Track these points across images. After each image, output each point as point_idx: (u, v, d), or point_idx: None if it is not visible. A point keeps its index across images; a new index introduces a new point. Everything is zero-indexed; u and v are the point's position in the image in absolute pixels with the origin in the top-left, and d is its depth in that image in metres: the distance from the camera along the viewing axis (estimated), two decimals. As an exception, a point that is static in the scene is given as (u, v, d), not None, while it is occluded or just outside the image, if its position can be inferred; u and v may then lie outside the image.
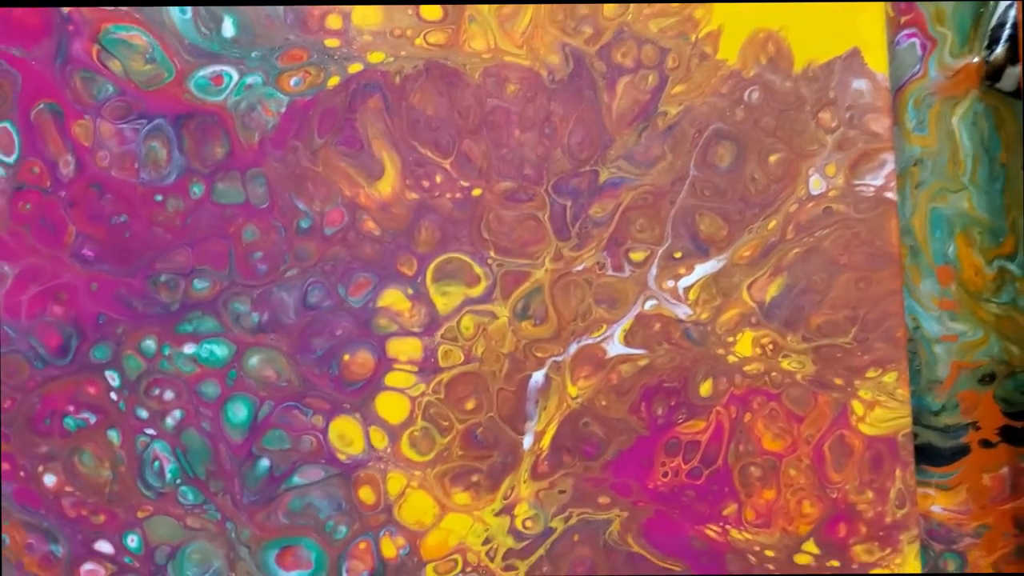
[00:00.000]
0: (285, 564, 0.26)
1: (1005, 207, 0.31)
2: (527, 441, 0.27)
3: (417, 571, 0.26)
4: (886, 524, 0.27)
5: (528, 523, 0.27)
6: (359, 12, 0.27)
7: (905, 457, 0.27)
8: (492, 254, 0.27)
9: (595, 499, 0.27)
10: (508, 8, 0.26)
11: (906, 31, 0.30)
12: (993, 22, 0.30)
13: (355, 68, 0.27)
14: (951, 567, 0.30)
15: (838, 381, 0.27)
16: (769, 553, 0.27)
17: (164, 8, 0.26)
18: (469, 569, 0.26)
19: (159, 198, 0.27)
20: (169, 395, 0.27)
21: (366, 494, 0.27)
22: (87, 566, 0.26)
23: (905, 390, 0.27)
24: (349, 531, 0.27)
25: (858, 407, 0.27)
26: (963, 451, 0.31)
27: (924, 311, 0.31)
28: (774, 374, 0.27)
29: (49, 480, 0.26)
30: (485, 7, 0.26)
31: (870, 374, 0.27)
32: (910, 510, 0.27)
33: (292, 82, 0.27)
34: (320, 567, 0.26)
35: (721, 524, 0.27)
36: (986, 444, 0.31)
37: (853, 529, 0.27)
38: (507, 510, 0.27)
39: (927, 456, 0.30)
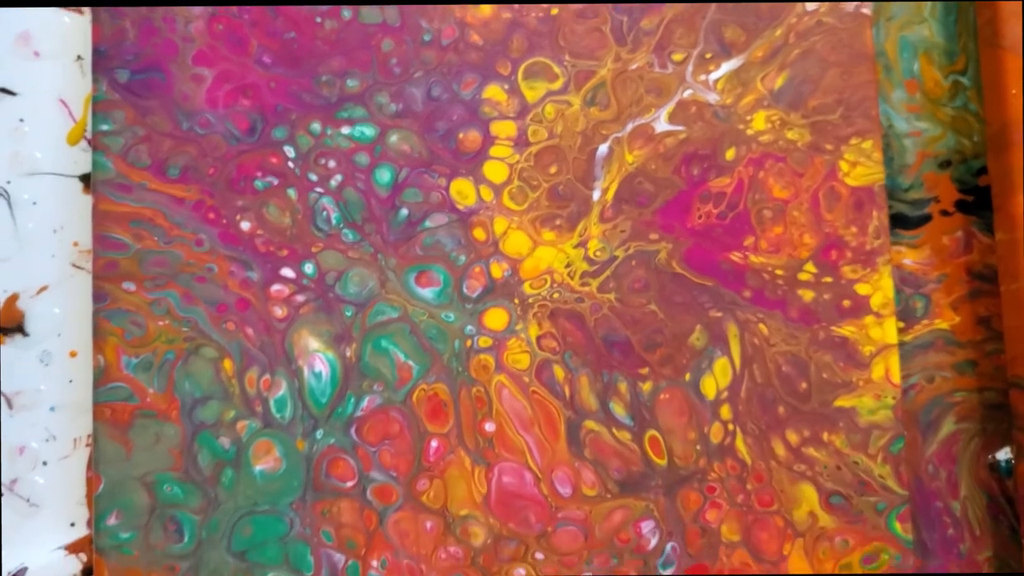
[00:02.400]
0: (421, 283, 0.35)
1: (958, 34, 0.40)
2: (596, 195, 0.36)
3: (517, 287, 0.35)
4: (866, 250, 0.36)
5: (598, 253, 0.36)
6: None
7: (880, 202, 0.36)
8: (567, 57, 0.36)
9: (647, 235, 0.36)
10: None
11: None
12: None
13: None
14: (919, 306, 0.39)
15: (829, 147, 0.36)
16: (779, 272, 0.36)
17: None
18: (555, 285, 0.35)
19: (318, 19, 0.36)
20: (332, 163, 0.36)
21: (479, 233, 0.36)
22: (275, 287, 0.35)
23: (879, 154, 0.36)
24: (467, 259, 0.36)
25: (844, 166, 0.36)
26: (927, 219, 0.39)
27: (895, 113, 0.39)
28: (781, 142, 0.36)
29: (245, 225, 0.35)
30: None
31: (853, 142, 0.36)
32: (884, 240, 0.36)
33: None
34: (446, 285, 0.35)
35: (742, 252, 0.36)
36: (945, 213, 0.39)
37: (842, 254, 0.36)
38: (582, 244, 0.36)
39: (899, 222, 0.39)
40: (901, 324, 0.38)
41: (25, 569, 0.36)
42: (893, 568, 0.34)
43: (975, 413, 0.38)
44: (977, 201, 0.39)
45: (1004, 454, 0.38)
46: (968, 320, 0.38)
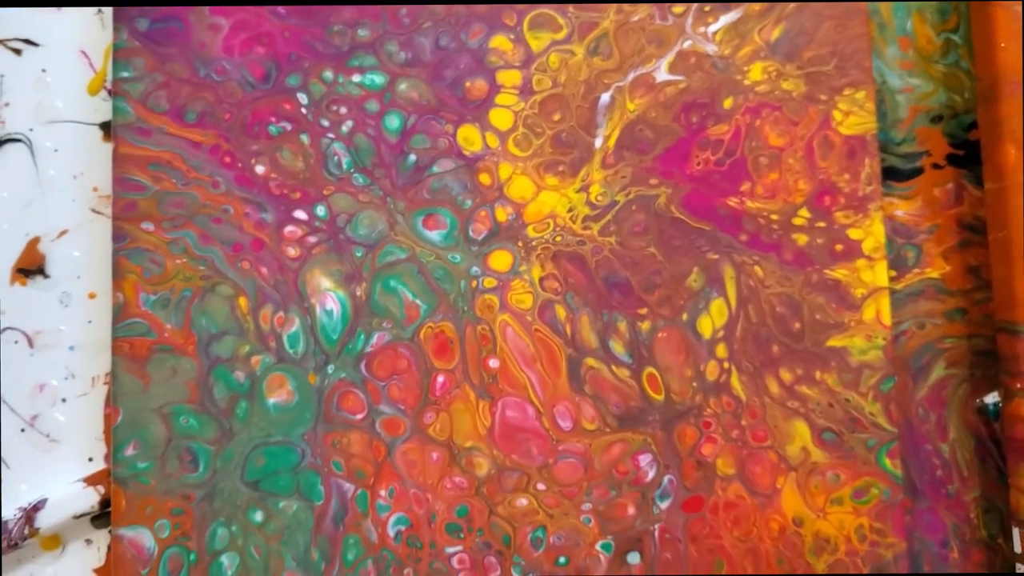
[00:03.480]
0: (428, 226, 0.37)
1: (951, -7, 0.41)
2: (598, 142, 0.37)
3: (521, 230, 0.37)
4: (858, 196, 0.37)
5: (599, 197, 0.37)
6: None
7: (872, 151, 0.37)
8: (571, 9, 0.37)
9: (647, 181, 0.37)
10: None
11: None
12: None
13: None
14: (910, 256, 0.40)
15: (823, 97, 0.37)
16: (774, 216, 0.37)
17: None
18: (558, 228, 0.37)
19: (332, -28, 0.37)
20: (343, 110, 0.37)
21: (484, 178, 0.37)
22: (288, 228, 0.37)
23: (871, 104, 0.37)
24: (473, 203, 0.37)
25: (838, 115, 0.37)
26: (919, 171, 0.40)
27: (889, 70, 0.40)
28: (777, 92, 0.37)
29: (259, 169, 0.37)
30: None
31: (846, 92, 0.37)
32: (875, 187, 0.37)
33: None
34: (453, 227, 0.37)
35: (739, 197, 0.37)
36: (936, 167, 0.40)
37: (835, 200, 0.37)
38: (584, 189, 0.37)
39: (892, 175, 0.40)
40: (893, 273, 0.39)
41: (45, 500, 0.37)
42: (882, 503, 0.36)
43: (964, 359, 0.39)
44: (968, 155, 0.40)
45: (992, 398, 0.39)
46: (958, 269, 0.40)
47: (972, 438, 0.39)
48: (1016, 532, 0.37)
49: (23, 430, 0.38)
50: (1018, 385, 0.36)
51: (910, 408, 0.39)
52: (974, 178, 0.40)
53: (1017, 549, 0.37)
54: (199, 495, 0.35)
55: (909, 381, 0.39)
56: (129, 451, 0.35)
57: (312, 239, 0.36)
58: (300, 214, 0.36)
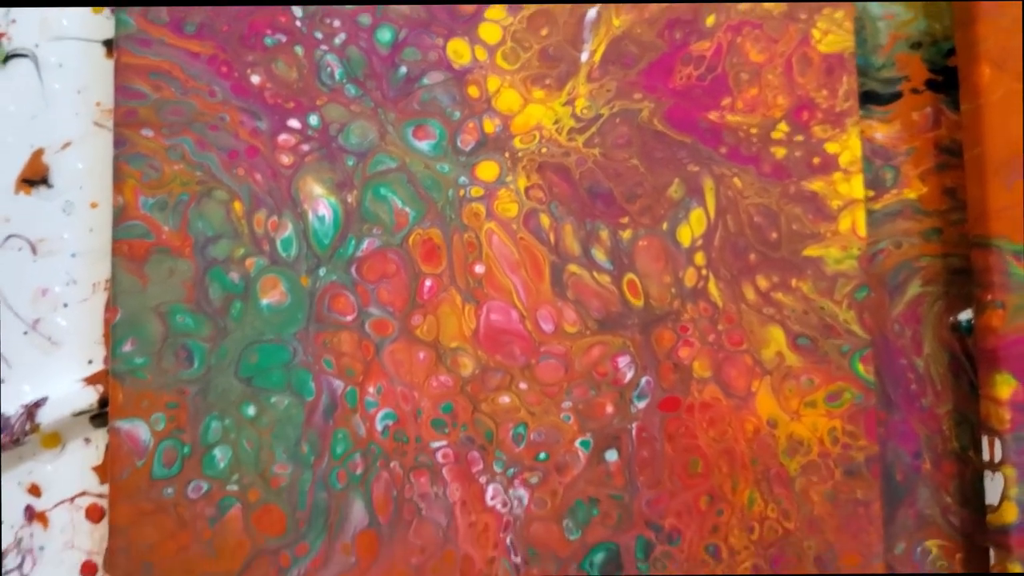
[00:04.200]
0: (418, 136, 0.38)
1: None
2: (584, 56, 0.38)
3: (508, 141, 0.38)
4: (836, 111, 0.38)
5: (584, 111, 0.38)
6: None
7: (850, 68, 0.38)
8: (560, -71, 0.38)
9: (631, 95, 0.38)
10: None
11: None
12: None
13: None
14: (888, 177, 0.41)
15: (803, 16, 0.38)
16: (753, 130, 0.38)
17: None
18: (544, 140, 0.38)
19: None
20: (336, 23, 0.38)
21: (473, 90, 0.38)
22: (282, 136, 0.38)
23: (850, 24, 0.38)
24: (461, 115, 0.38)
25: (816, 34, 0.38)
26: (898, 96, 0.41)
27: (871, -3, 0.41)
28: (758, 11, 0.38)
29: (255, 79, 0.38)
30: None
31: (825, 11, 0.38)
32: (852, 103, 0.38)
33: None
34: (442, 138, 0.38)
35: (720, 111, 0.38)
36: (915, 91, 0.41)
37: (812, 115, 0.38)
38: (570, 102, 0.38)
39: (871, 99, 0.41)
40: (871, 192, 0.40)
41: (46, 399, 0.39)
42: (854, 406, 0.37)
43: (939, 277, 0.40)
44: (946, 81, 0.41)
45: (966, 315, 0.40)
46: (935, 191, 0.41)
47: (946, 354, 0.40)
48: (985, 440, 0.38)
49: (26, 333, 0.40)
50: (989, 297, 0.38)
51: (886, 324, 0.40)
52: (952, 103, 0.41)
53: (985, 457, 0.38)
54: (194, 390, 0.37)
55: (886, 297, 0.40)
56: (127, 347, 0.37)
57: (305, 147, 0.37)
58: (294, 123, 0.38)
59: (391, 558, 0.36)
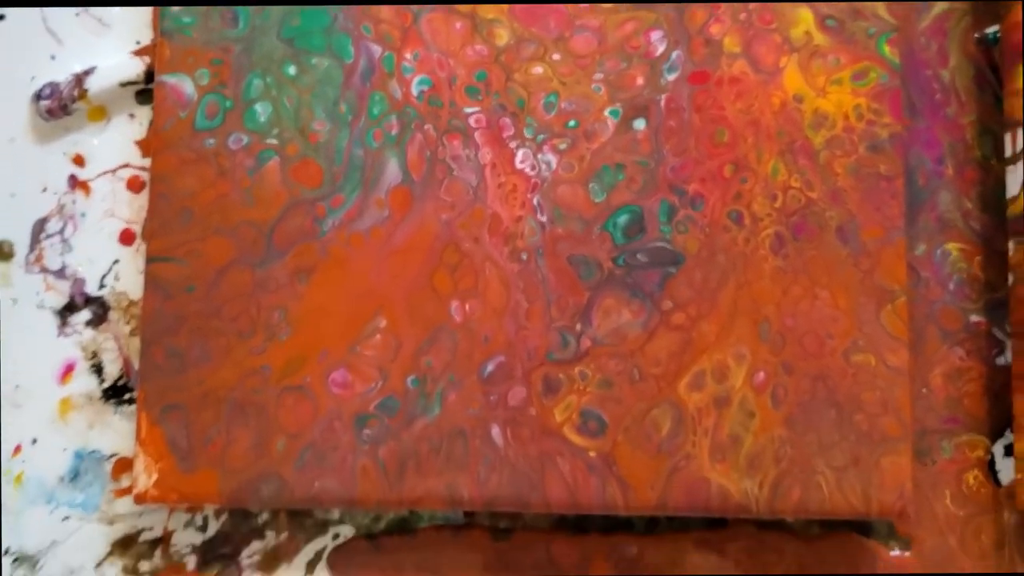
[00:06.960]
0: None
1: None
2: None
3: None
4: None
5: None
6: None
7: None
8: None
9: None
10: None
11: None
12: None
13: None
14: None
15: None
16: None
17: None
18: None
19: None
20: None
21: None
22: None
23: None
24: None
25: None
26: None
27: None
28: None
29: None
30: None
31: None
32: None
33: None
34: None
35: None
36: None
37: None
38: None
39: None
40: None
41: (94, 68, 0.40)
42: (879, 86, 0.37)
43: (967, -6, 0.41)
44: None
45: (992, 28, 0.41)
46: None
47: (972, 66, 0.41)
48: (1008, 137, 0.39)
49: (77, 15, 0.41)
50: (1016, -8, 0.38)
51: (913, 37, 0.41)
52: None
53: (1008, 154, 0.39)
54: (238, 48, 0.38)
55: (912, 12, 0.41)
56: (175, 8, 0.38)
57: None
58: None
59: (422, 213, 0.37)
